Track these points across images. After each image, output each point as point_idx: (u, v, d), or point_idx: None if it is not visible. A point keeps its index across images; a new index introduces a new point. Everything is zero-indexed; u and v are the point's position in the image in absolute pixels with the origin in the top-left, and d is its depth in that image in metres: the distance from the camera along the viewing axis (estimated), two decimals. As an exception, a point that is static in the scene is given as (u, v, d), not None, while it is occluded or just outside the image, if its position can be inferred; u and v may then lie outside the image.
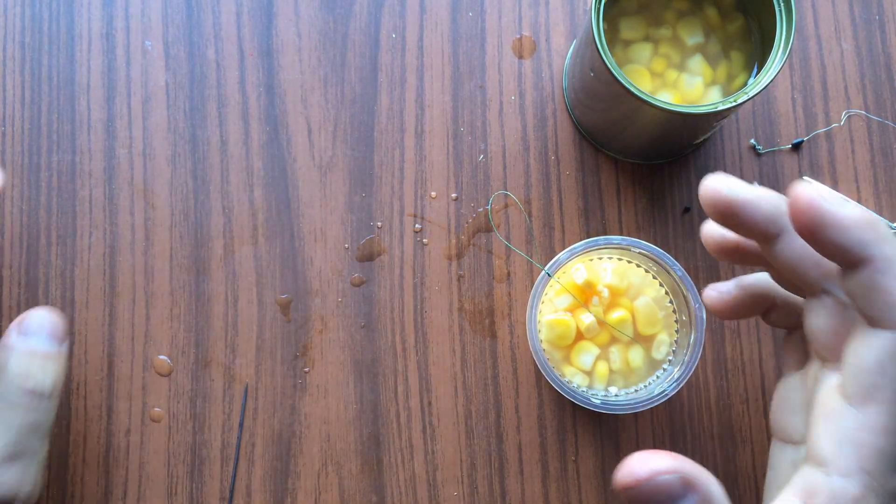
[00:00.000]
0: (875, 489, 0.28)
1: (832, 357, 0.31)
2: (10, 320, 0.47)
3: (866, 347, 0.29)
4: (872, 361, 0.29)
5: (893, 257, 0.28)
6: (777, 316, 0.38)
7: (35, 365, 0.41)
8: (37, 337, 0.42)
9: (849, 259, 0.29)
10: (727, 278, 0.48)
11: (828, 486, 0.28)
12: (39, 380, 0.40)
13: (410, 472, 0.46)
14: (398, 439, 0.46)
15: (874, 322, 0.29)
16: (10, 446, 0.39)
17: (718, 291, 0.38)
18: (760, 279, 0.38)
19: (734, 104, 0.39)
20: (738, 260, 0.36)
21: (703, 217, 0.48)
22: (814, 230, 0.28)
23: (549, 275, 0.42)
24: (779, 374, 0.47)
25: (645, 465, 0.28)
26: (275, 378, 0.47)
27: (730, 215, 0.31)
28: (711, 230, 0.36)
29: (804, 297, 0.34)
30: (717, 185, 0.31)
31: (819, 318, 0.32)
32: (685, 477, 0.28)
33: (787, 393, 0.36)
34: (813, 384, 0.33)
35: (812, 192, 0.28)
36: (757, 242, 0.33)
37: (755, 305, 0.38)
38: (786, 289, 0.36)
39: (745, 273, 0.42)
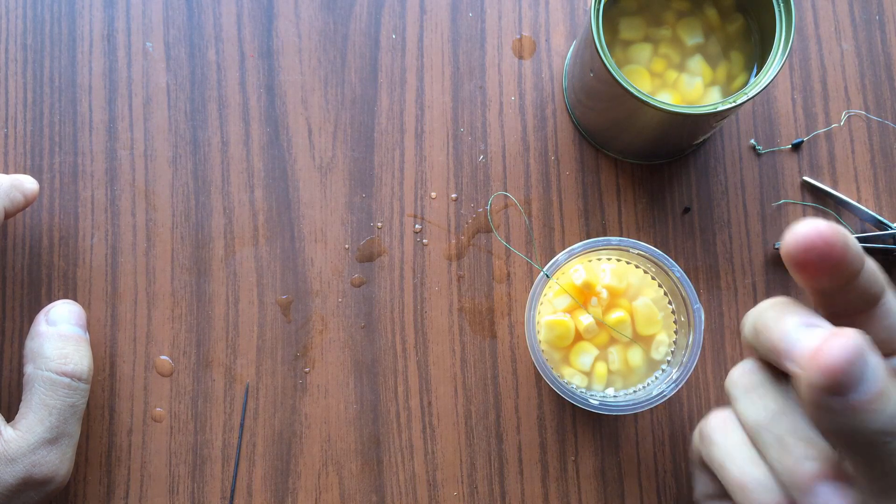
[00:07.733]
0: None
1: None
2: (14, 322, 0.47)
3: None
4: None
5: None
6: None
7: (69, 348, 0.42)
8: (66, 324, 0.44)
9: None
10: (726, 279, 0.48)
11: None
12: (76, 362, 0.42)
13: (410, 472, 0.46)
14: (398, 439, 0.47)
15: None
16: (53, 429, 0.40)
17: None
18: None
19: (734, 105, 0.39)
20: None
21: (702, 217, 0.48)
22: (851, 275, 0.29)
23: (547, 276, 0.42)
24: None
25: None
26: (275, 378, 0.47)
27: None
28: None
29: None
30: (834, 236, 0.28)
31: None
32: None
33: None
34: None
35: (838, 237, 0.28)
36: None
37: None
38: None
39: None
